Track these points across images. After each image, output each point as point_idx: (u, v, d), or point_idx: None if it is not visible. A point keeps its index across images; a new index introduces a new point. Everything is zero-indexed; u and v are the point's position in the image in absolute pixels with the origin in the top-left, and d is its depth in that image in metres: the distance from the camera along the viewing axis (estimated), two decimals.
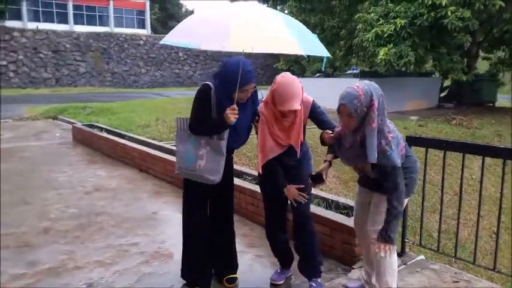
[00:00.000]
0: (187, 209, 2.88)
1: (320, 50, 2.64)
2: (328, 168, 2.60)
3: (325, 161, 2.64)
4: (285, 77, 2.61)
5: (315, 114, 2.73)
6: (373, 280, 2.76)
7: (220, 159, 2.65)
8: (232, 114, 2.50)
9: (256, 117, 2.78)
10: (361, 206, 2.77)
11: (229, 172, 2.88)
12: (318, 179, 2.54)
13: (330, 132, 2.58)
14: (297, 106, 2.55)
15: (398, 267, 3.19)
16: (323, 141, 2.68)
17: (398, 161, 2.36)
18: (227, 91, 2.57)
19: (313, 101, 2.74)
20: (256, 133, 2.82)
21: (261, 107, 2.75)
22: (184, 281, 2.98)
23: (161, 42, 2.64)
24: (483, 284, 3.01)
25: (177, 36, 2.58)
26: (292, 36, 2.44)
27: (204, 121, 2.63)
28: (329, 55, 2.73)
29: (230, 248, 3.04)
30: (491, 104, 17.39)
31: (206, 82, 2.67)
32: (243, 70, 2.49)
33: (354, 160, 2.53)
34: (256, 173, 5.04)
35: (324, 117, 2.73)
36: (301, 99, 2.62)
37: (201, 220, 2.85)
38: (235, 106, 2.52)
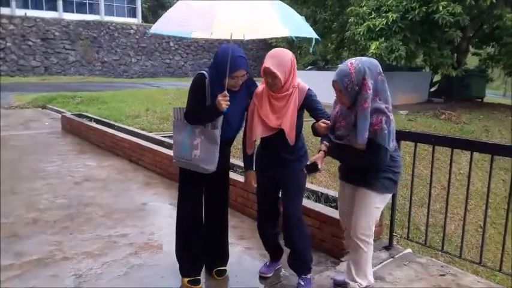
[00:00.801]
0: (181, 197, 2.90)
1: (307, 32, 2.66)
2: (323, 158, 2.58)
3: (320, 150, 2.61)
4: (280, 48, 2.68)
5: (310, 102, 2.66)
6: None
7: (214, 148, 2.66)
8: (223, 101, 2.50)
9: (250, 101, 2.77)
10: (345, 202, 2.76)
11: (225, 164, 2.87)
12: (313, 168, 2.52)
13: (327, 121, 2.52)
14: (273, 67, 2.51)
15: (385, 260, 3.26)
16: (315, 131, 2.62)
17: (390, 144, 2.37)
18: (219, 78, 2.59)
19: (308, 88, 2.70)
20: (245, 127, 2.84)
21: (258, 88, 2.75)
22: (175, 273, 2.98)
23: (150, 31, 2.61)
24: (469, 277, 3.06)
25: (167, 25, 2.58)
26: (280, 21, 2.47)
27: (199, 110, 2.65)
28: (317, 36, 2.72)
29: (222, 239, 3.05)
30: (480, 100, 17.54)
31: (201, 71, 2.69)
32: (232, 56, 2.51)
33: (347, 139, 2.47)
34: None
35: (319, 106, 2.66)
36: (283, 69, 2.54)
37: (194, 208, 2.88)
38: (226, 93, 2.52)
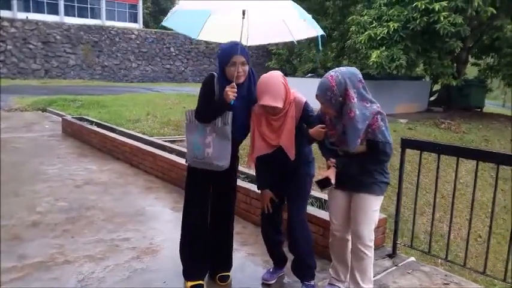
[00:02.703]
0: (188, 202, 2.90)
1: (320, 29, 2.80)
2: (334, 172, 2.54)
3: (329, 166, 2.57)
4: (268, 74, 2.67)
5: (306, 116, 2.68)
6: (343, 277, 2.83)
7: (226, 144, 2.69)
8: (231, 92, 2.54)
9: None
10: (342, 210, 2.70)
11: (232, 168, 2.85)
12: (327, 183, 2.50)
13: (322, 126, 2.51)
14: (273, 102, 2.53)
15: (389, 268, 3.25)
16: (309, 138, 2.62)
17: (390, 138, 2.42)
18: (221, 71, 2.66)
19: (305, 102, 2.71)
20: None
21: (256, 105, 2.75)
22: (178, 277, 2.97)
23: (163, 23, 2.93)
24: (472, 286, 3.06)
25: (178, 24, 2.91)
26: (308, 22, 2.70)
27: (208, 105, 2.70)
28: (323, 33, 2.82)
29: (227, 245, 3.04)
30: (479, 109, 17.61)
31: (212, 72, 2.78)
32: (227, 44, 2.64)
33: (342, 146, 2.51)
34: (248, 171, 5.05)
35: (314, 122, 2.61)
36: (282, 97, 2.58)
37: (200, 213, 2.88)
38: (234, 84, 2.56)
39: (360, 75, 2.44)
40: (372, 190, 2.55)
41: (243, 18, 2.57)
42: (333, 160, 2.56)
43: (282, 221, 2.95)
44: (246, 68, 2.67)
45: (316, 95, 2.45)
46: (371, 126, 2.38)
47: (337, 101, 2.39)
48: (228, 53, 2.61)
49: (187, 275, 2.92)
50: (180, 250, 2.97)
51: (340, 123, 2.47)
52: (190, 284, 2.86)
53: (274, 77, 2.63)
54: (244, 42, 2.71)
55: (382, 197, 2.62)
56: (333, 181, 2.49)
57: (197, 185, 2.86)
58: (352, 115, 2.35)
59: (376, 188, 2.56)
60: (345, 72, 2.41)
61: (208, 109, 2.69)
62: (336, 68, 2.48)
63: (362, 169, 2.53)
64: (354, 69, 2.45)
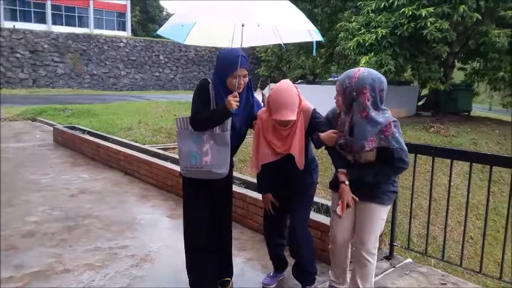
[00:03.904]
0: (188, 211, 2.81)
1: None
2: (349, 192, 2.50)
3: (342, 182, 2.50)
4: (281, 85, 2.61)
5: (314, 124, 2.64)
6: (343, 280, 2.85)
7: (225, 151, 2.63)
8: (233, 101, 2.49)
9: (255, 121, 2.79)
10: (347, 218, 2.65)
11: (229, 175, 2.79)
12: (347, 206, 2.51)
13: (334, 131, 2.49)
14: (290, 116, 2.49)
15: (387, 270, 3.30)
16: (318, 142, 2.59)
17: (404, 145, 2.38)
18: (222, 79, 2.61)
19: (313, 109, 2.68)
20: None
21: (262, 111, 2.76)
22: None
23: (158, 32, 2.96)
24: (469, 286, 3.12)
25: (165, 31, 2.92)
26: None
27: (206, 114, 2.62)
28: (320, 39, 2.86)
29: (227, 252, 3.03)
30: (467, 113, 17.85)
31: (205, 77, 2.72)
32: (234, 55, 2.56)
33: (354, 149, 2.43)
34: (244, 177, 5.08)
35: (323, 127, 2.60)
36: (297, 108, 2.55)
37: (203, 221, 2.77)
38: (236, 93, 2.53)
39: (385, 85, 2.37)
40: (380, 200, 2.53)
41: (243, 26, 2.53)
42: (344, 170, 2.49)
43: (286, 227, 2.96)
44: (247, 79, 2.66)
45: (337, 80, 2.45)
46: (384, 133, 2.32)
47: (350, 95, 2.35)
48: (231, 64, 2.55)
49: (201, 286, 2.83)
50: (188, 264, 2.85)
51: (346, 123, 2.44)
52: None
53: (289, 89, 2.57)
54: (237, 45, 2.71)
55: (390, 206, 2.62)
56: (340, 212, 2.49)
57: (197, 198, 2.75)
58: (364, 115, 2.32)
59: (386, 198, 2.54)
60: (372, 72, 2.38)
61: (208, 117, 2.61)
62: (369, 68, 2.45)
63: (377, 179, 2.46)
64: (382, 77, 2.40)
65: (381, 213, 2.57)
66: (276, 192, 2.86)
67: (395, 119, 2.38)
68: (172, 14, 3.08)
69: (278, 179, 2.83)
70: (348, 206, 2.51)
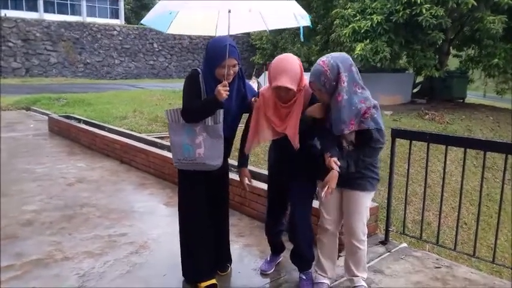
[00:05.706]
0: (185, 202, 2.82)
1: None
2: (335, 179, 2.46)
3: (332, 168, 2.44)
4: (284, 55, 2.58)
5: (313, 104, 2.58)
6: (330, 273, 2.86)
7: (218, 143, 2.62)
8: (223, 90, 2.46)
9: (254, 98, 2.74)
10: (335, 207, 2.72)
11: (224, 165, 2.82)
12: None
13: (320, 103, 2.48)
14: (289, 83, 2.42)
15: (382, 254, 3.36)
16: (309, 120, 2.54)
17: (382, 124, 2.42)
18: (210, 70, 2.59)
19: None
20: (247, 122, 2.82)
21: (264, 89, 2.73)
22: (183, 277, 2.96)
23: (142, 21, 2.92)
24: (462, 269, 3.19)
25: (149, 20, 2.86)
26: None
27: (197, 105, 2.61)
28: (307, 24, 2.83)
29: (224, 239, 3.06)
30: (461, 100, 17.93)
31: (195, 68, 2.69)
32: (221, 45, 2.52)
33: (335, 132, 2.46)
34: None
35: None
36: (297, 80, 2.47)
37: (200, 211, 2.79)
38: (226, 82, 2.50)
39: (351, 60, 2.42)
40: (363, 187, 2.58)
41: (229, 12, 2.48)
42: (336, 162, 2.44)
43: (286, 210, 2.98)
44: (237, 68, 2.63)
45: (310, 82, 2.44)
46: (363, 115, 2.36)
47: (331, 86, 2.37)
48: (218, 54, 2.51)
49: (199, 276, 2.85)
50: (185, 254, 2.89)
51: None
52: (204, 284, 2.80)
53: (291, 57, 2.52)
54: (223, 33, 2.69)
55: (373, 193, 2.66)
56: (324, 193, 2.47)
57: (192, 187, 2.77)
58: (339, 99, 2.35)
59: (368, 185, 2.59)
60: (336, 56, 2.41)
61: (199, 108, 2.59)
62: (327, 54, 2.46)
63: (357, 165, 2.48)
64: (345, 54, 2.44)
65: (364, 200, 2.62)
66: (280, 172, 2.85)
67: (376, 103, 2.43)
68: None
69: (279, 154, 2.82)
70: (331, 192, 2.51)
